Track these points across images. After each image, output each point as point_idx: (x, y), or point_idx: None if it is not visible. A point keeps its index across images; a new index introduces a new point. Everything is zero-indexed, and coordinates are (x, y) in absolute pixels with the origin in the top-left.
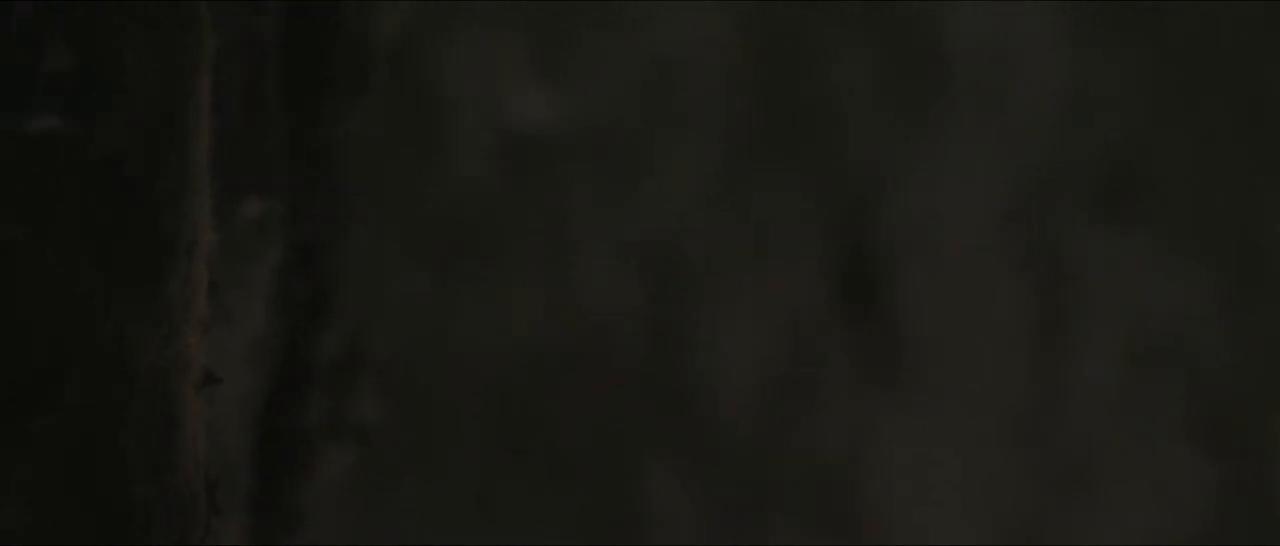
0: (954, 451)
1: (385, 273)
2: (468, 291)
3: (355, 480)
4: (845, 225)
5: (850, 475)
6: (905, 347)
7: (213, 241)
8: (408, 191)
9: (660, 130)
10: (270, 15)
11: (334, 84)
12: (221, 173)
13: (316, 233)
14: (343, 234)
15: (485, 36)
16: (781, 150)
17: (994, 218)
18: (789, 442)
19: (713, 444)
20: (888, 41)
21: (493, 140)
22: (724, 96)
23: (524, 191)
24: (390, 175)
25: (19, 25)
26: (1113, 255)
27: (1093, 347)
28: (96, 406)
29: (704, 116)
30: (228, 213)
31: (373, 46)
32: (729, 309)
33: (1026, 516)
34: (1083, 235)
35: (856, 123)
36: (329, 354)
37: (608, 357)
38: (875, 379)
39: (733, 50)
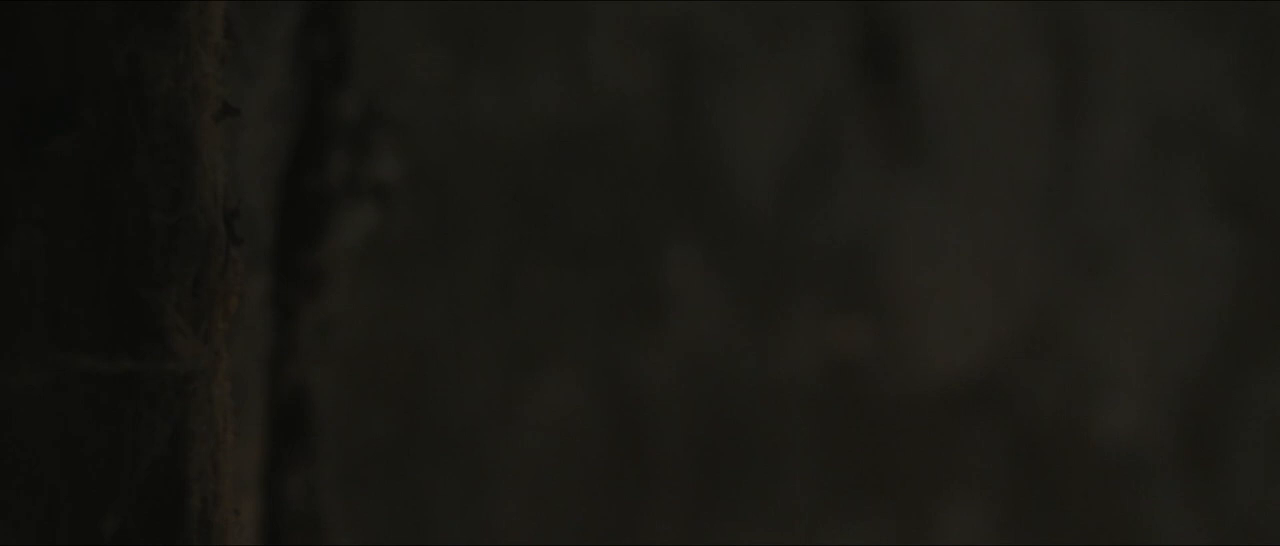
0: (974, 229)
1: (405, 43)
2: (487, 70)
3: (376, 245)
4: (865, 1)
5: (870, 253)
6: (925, 125)
7: None
8: None
9: None
10: None
11: None
12: None
13: None
14: None
15: None
16: None
17: None
18: (809, 221)
19: (733, 223)
20: None
21: None
22: None
23: None
24: None
25: None
26: (1133, 31)
27: (1113, 124)
28: (112, 131)
29: None
30: None
31: None
32: (748, 87)
33: (1047, 292)
34: (1103, 11)
35: None
36: (348, 113)
37: (627, 138)
38: (896, 157)
39: None
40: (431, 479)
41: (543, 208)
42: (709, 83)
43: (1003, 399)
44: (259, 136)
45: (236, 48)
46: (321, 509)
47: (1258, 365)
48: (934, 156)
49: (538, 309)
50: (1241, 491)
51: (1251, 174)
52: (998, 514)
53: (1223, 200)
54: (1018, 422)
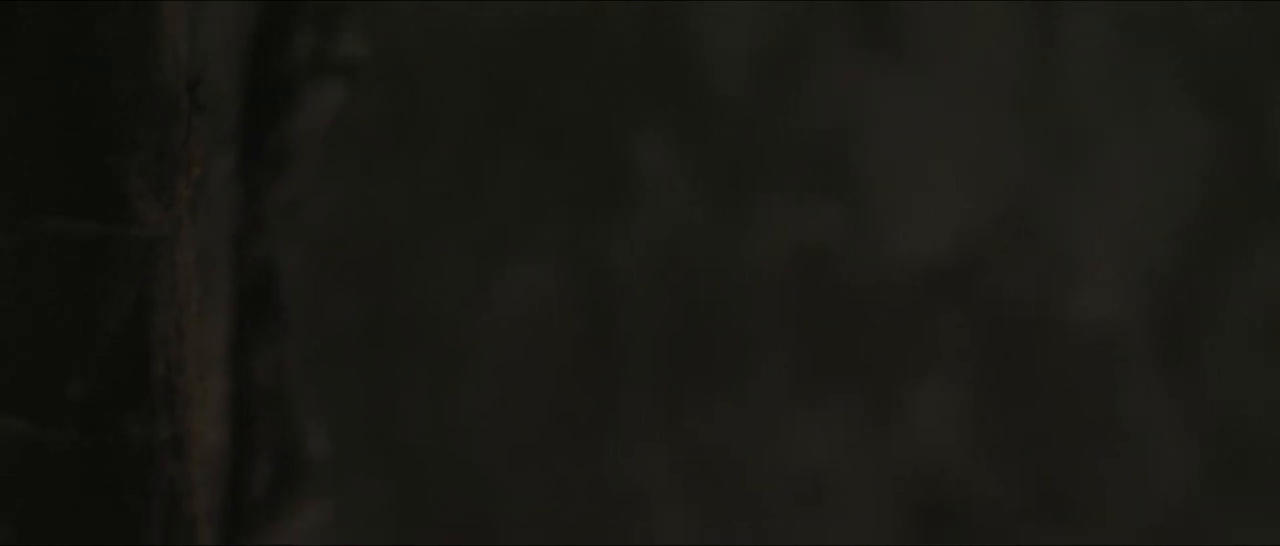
0: (948, 117)
1: None
2: None
3: (343, 125)
4: None
5: (843, 141)
6: (901, 13)
7: None
8: None
9: None
10: None
11: None
12: None
13: None
14: None
15: None
16: None
17: None
18: (783, 109)
19: (706, 111)
20: None
21: None
22: None
23: None
24: None
25: None
26: None
27: (1089, 13)
28: (77, 2)
29: None
30: None
31: None
32: None
33: (1021, 180)
34: None
35: None
36: None
37: (600, 25)
38: (870, 45)
39: None
40: (401, 364)
41: (514, 94)
42: None
43: (975, 285)
44: (224, 11)
45: None
46: (289, 387)
47: (1232, 254)
48: (909, 45)
49: (508, 195)
50: (1215, 377)
51: (1227, 64)
52: (969, 399)
53: (1198, 90)
54: (990, 309)
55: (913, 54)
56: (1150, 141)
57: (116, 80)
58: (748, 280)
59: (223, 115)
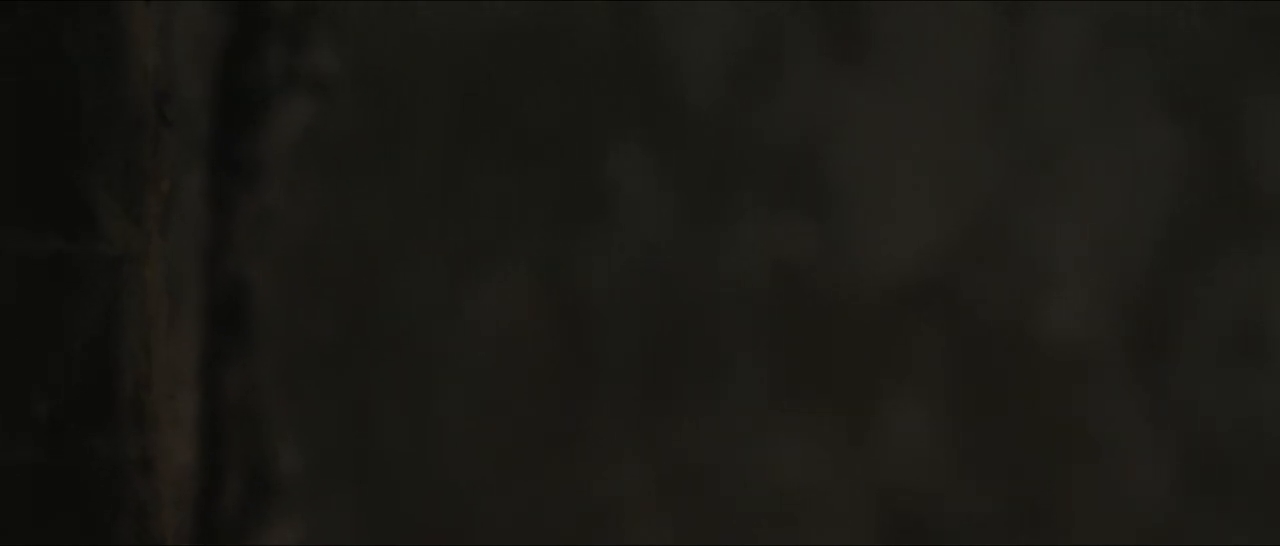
0: (919, 127)
1: None
2: None
3: (315, 137)
4: None
5: (816, 152)
6: (871, 24)
7: None
8: None
9: None
10: None
11: None
12: None
13: None
14: None
15: None
16: None
17: None
18: (755, 120)
19: (679, 122)
20: None
21: None
22: None
23: None
24: None
25: None
26: None
27: (1061, 20)
28: (40, 9)
29: None
30: None
31: None
32: None
33: (992, 190)
34: None
35: None
36: (284, 4)
37: (573, 37)
38: (841, 56)
39: None
40: (375, 377)
41: (488, 106)
42: None
43: (947, 297)
44: (194, 25)
45: None
46: (260, 404)
47: (1204, 262)
48: (879, 55)
49: (483, 207)
50: (1187, 386)
51: (1201, 72)
52: (941, 411)
53: (1170, 97)
54: (962, 321)
55: (883, 64)
56: (1122, 150)
57: (83, 93)
58: (721, 292)
59: (193, 128)
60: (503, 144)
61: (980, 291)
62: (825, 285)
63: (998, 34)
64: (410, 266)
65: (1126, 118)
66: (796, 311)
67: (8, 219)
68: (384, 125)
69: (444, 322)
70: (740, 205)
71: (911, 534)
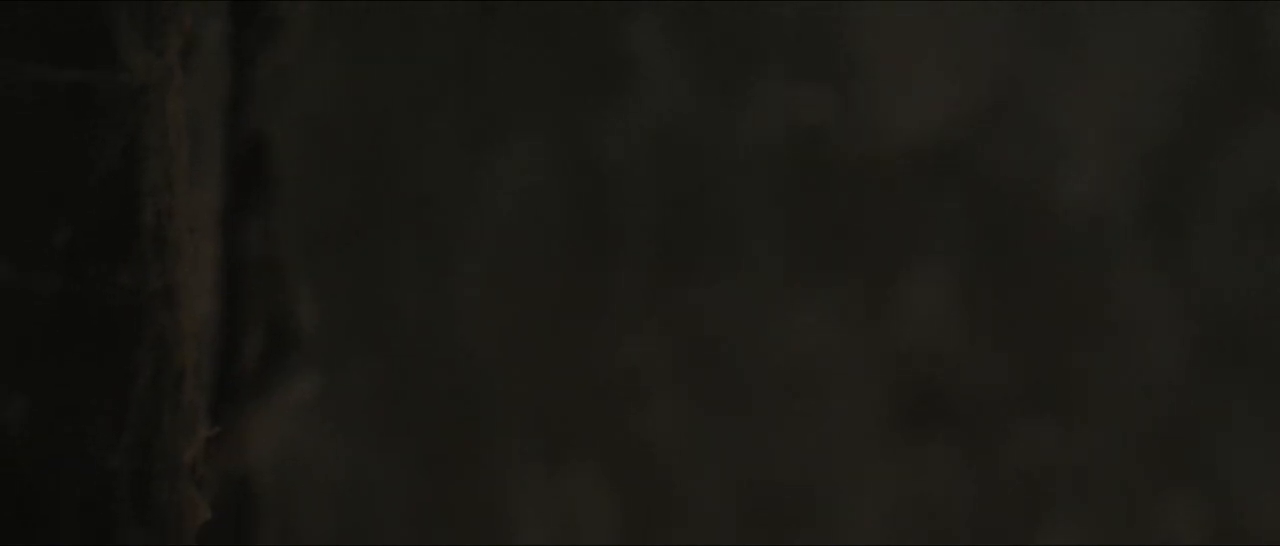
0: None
1: None
2: None
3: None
4: None
5: (835, 20)
6: None
7: None
8: None
9: None
10: None
11: None
12: None
13: None
14: None
15: None
16: None
17: None
18: None
19: None
20: None
21: None
22: None
23: None
24: None
25: None
26: None
27: None
28: None
29: None
30: None
31: None
32: None
33: (1011, 60)
34: None
35: None
36: None
37: None
38: None
39: None
40: (392, 245)
41: None
42: None
43: (966, 164)
44: None
45: None
46: (281, 257)
47: (1223, 135)
48: None
49: (500, 79)
50: (1206, 258)
51: None
52: (961, 279)
53: None
54: (981, 188)
55: None
56: (1142, 19)
57: None
58: (740, 162)
59: None
60: (519, 14)
61: (999, 158)
62: (843, 152)
63: None
64: (426, 136)
65: None
66: (814, 179)
67: (24, 48)
68: None
69: (460, 193)
70: (758, 73)
71: (928, 401)
